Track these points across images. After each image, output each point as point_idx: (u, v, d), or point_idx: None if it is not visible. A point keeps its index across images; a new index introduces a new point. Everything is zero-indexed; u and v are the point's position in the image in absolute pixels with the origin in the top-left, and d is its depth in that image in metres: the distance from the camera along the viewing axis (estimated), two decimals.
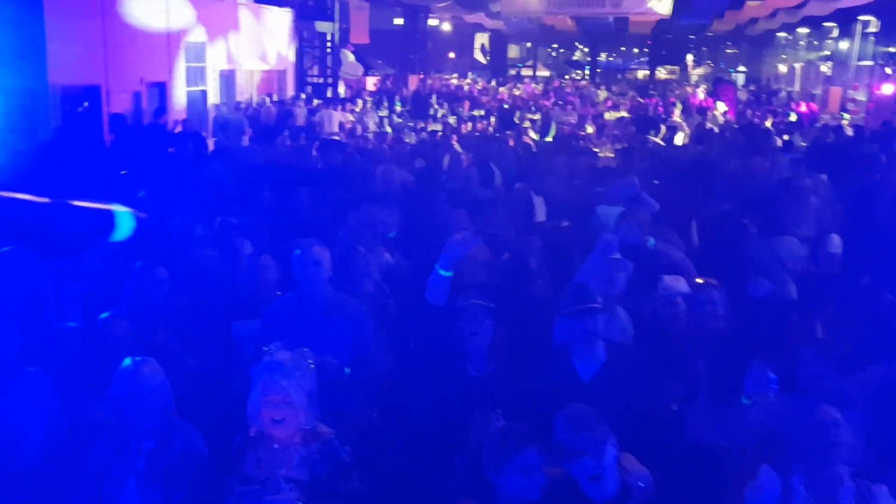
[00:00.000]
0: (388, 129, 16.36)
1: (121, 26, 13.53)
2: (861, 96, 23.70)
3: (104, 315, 3.85)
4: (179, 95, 15.97)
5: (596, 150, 10.96)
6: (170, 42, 15.42)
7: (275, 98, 18.73)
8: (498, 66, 38.17)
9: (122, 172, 7.42)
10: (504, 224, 6.01)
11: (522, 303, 4.56)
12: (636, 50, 47.29)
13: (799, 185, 7.24)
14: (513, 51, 43.17)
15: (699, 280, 4.21)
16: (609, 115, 19.98)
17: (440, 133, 13.72)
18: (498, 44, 38.94)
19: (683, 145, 12.27)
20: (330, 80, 23.21)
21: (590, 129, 15.22)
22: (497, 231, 5.40)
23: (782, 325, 4.97)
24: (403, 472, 3.61)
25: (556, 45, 47.23)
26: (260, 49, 19.89)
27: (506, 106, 21.37)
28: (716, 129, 13.90)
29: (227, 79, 18.46)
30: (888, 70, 22.15)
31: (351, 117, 17.38)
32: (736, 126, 14.47)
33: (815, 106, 22.52)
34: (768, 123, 16.72)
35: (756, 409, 3.41)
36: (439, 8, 28.09)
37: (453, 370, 3.73)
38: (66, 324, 1.46)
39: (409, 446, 3.68)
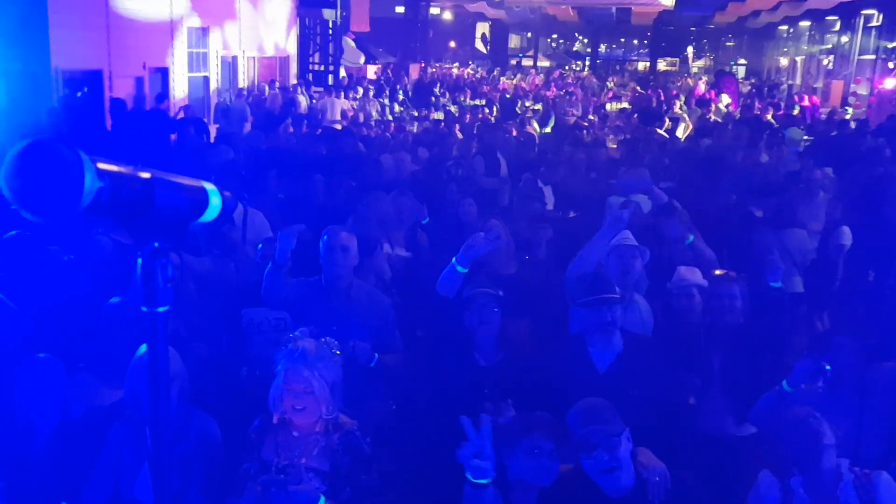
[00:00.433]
0: (390, 118, 16.32)
1: (123, 11, 13.47)
2: (863, 90, 23.64)
3: (113, 301, 3.82)
4: (181, 81, 15.90)
5: (600, 140, 10.93)
6: (172, 28, 15.34)
7: (277, 85, 18.65)
8: (499, 56, 38.06)
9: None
10: (512, 214, 6.02)
11: (532, 292, 4.53)
12: (636, 41, 47.15)
13: (808, 179, 7.26)
14: (514, 41, 43.03)
15: (719, 272, 4.17)
16: (610, 107, 19.96)
17: (442, 122, 13.69)
18: (499, 33, 38.84)
19: (688, 137, 12.24)
20: (331, 68, 23.13)
21: (592, 118, 15.20)
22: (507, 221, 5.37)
23: (793, 318, 4.98)
24: (416, 464, 3.62)
25: (556, 36, 47.08)
26: (262, 35, 19.81)
27: (508, 95, 21.32)
28: (720, 122, 13.88)
29: (230, 65, 18.38)
30: (890, 64, 22.07)
31: (354, 104, 17.32)
32: (738, 118, 14.43)
33: (816, 99, 22.48)
34: (769, 116, 16.70)
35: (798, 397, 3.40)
36: None
37: (462, 360, 3.70)
38: (156, 308, 1.42)
39: (419, 437, 3.68)
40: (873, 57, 23.74)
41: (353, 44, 24.43)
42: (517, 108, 18.35)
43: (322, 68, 23.25)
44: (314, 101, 17.35)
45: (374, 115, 16.69)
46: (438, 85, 23.65)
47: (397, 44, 30.31)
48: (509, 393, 3.41)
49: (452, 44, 39.11)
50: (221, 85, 17.67)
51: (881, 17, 23.27)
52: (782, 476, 3.07)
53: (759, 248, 5.10)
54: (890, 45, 22.84)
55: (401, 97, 20.86)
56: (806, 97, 21.61)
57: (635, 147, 9.79)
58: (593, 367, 3.60)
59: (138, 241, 1.36)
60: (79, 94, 12.52)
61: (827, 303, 6.16)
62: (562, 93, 22.00)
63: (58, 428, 3.22)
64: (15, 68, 10.97)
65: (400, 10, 30.11)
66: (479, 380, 3.60)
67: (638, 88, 25.76)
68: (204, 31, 16.78)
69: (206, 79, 17.09)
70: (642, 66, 41.81)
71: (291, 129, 12.35)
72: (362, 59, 25.45)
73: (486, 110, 17.05)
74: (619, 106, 20.32)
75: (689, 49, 43.64)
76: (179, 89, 15.68)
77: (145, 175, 1.26)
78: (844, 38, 26.48)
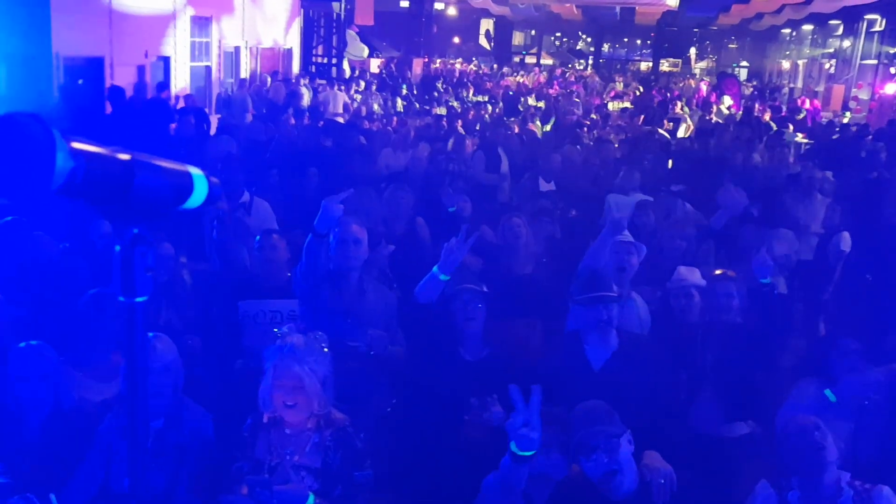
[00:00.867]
0: (392, 112, 16.28)
1: None
2: (864, 95, 23.64)
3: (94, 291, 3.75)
4: (183, 70, 15.85)
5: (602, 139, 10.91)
6: (175, 16, 15.29)
7: (280, 76, 18.60)
8: (502, 53, 38.00)
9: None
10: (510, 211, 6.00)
11: (544, 291, 4.52)
12: (640, 41, 47.09)
13: (805, 180, 7.27)
14: (517, 38, 42.96)
15: (718, 272, 4.17)
16: (613, 106, 19.93)
17: (444, 118, 13.66)
18: (503, 30, 38.76)
19: (689, 138, 12.24)
20: (334, 61, 23.07)
21: (594, 116, 15.19)
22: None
23: (787, 319, 4.97)
24: (408, 460, 3.61)
25: (560, 34, 47.00)
26: (265, 27, 19.76)
27: (511, 93, 21.29)
28: (721, 123, 13.89)
29: (232, 55, 18.33)
30: (892, 69, 22.07)
31: (357, 97, 17.28)
32: (740, 120, 14.43)
33: (817, 103, 22.47)
34: (766, 117, 16.71)
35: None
36: None
37: (447, 355, 3.69)
38: (134, 298, 1.34)
39: (410, 432, 3.67)
40: (875, 62, 23.73)
41: (356, 37, 24.35)
42: (519, 106, 18.33)
43: (325, 61, 23.18)
44: (317, 93, 17.29)
45: (377, 108, 16.66)
46: (441, 80, 23.61)
47: (401, 38, 30.23)
48: (495, 388, 3.40)
49: (456, 39, 39.04)
50: (223, 75, 17.62)
51: (884, 22, 23.26)
52: (780, 488, 3.03)
53: (747, 246, 5.08)
54: (892, 51, 22.84)
55: (404, 91, 20.82)
56: (807, 100, 21.60)
57: (636, 147, 9.80)
58: (588, 364, 3.61)
59: (116, 227, 1.28)
60: (80, 81, 12.47)
61: (825, 306, 6.17)
62: (565, 91, 21.98)
63: (50, 417, 3.19)
64: (16, 54, 10.92)
65: (404, 4, 30.04)
66: (464, 375, 3.59)
67: (640, 88, 25.75)
68: (206, 20, 16.72)
69: (208, 68, 17.04)
70: (645, 66, 41.76)
71: (293, 121, 12.32)
72: (366, 53, 25.37)
73: (489, 107, 17.01)
74: (622, 105, 20.31)
75: (692, 50, 43.59)
76: (181, 78, 15.64)
77: (124, 157, 1.20)
78: (847, 43, 26.47)
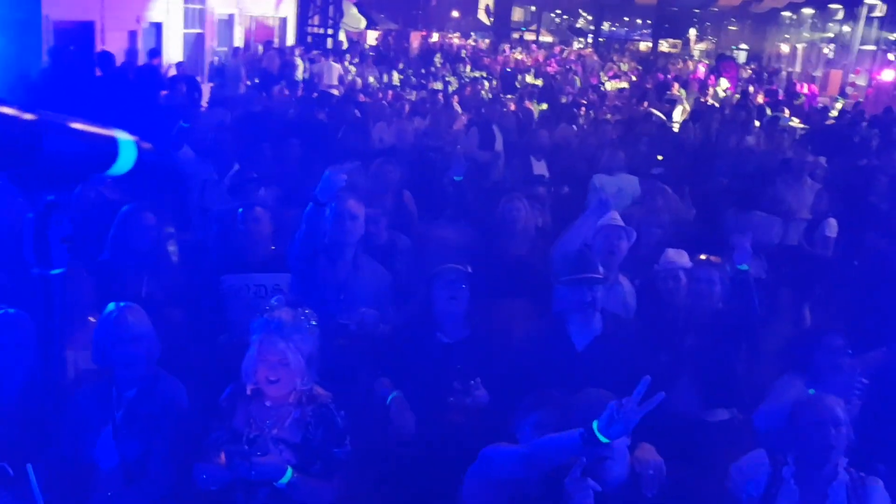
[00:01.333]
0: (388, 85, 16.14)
1: None
2: (861, 81, 23.58)
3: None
4: (176, 37, 15.66)
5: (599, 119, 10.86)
6: None
7: (275, 45, 18.40)
8: (501, 29, 37.66)
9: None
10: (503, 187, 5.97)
11: (521, 270, 4.50)
12: (640, 21, 46.74)
13: (796, 165, 7.27)
14: (517, 13, 42.55)
15: (702, 256, 4.16)
16: (610, 86, 19.82)
17: (440, 93, 13.56)
18: (502, 5, 38.38)
19: (685, 120, 12.20)
20: (331, 31, 22.82)
21: (592, 96, 15.11)
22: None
23: (770, 305, 4.97)
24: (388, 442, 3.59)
25: (560, 11, 46.61)
26: None
27: (508, 69, 21.13)
28: (717, 105, 13.84)
29: (226, 23, 18.11)
30: (891, 56, 22.01)
31: (353, 69, 17.12)
32: (736, 103, 14.38)
33: (814, 88, 22.41)
34: (759, 99, 16.66)
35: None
36: None
37: (424, 337, 3.64)
38: (49, 270, 1.25)
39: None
40: (874, 48, 23.64)
41: (354, 8, 24.07)
42: (517, 83, 18.20)
43: (321, 31, 22.92)
44: (313, 63, 17.09)
45: (373, 81, 16.51)
46: (439, 55, 23.41)
47: (399, 10, 29.93)
48: (474, 370, 3.38)
49: (455, 13, 38.66)
50: (217, 43, 17.42)
51: (885, 7, 23.13)
52: (775, 461, 3.02)
53: (728, 231, 5.06)
54: (891, 37, 22.74)
55: (401, 66, 20.63)
56: (805, 85, 21.53)
57: (632, 127, 9.75)
58: (572, 345, 3.60)
59: (28, 193, 1.20)
60: (71, 47, 12.29)
61: (810, 292, 6.18)
62: (562, 69, 21.83)
63: (26, 386, 3.14)
64: (5, 16, 10.76)
65: None
66: (441, 357, 3.56)
67: (639, 68, 25.61)
68: None
69: (202, 36, 16.84)
70: (644, 46, 41.48)
71: (286, 92, 12.21)
72: (363, 24, 25.09)
73: (486, 83, 16.87)
74: (619, 85, 20.19)
75: (692, 31, 43.27)
76: (173, 46, 15.45)
77: (29, 117, 1.11)
78: (846, 28, 26.34)
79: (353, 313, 3.78)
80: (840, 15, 27.04)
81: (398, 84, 16.70)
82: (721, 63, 22.22)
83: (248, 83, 14.42)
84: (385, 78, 17.46)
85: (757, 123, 11.50)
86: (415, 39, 26.39)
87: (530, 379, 3.28)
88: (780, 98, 17.53)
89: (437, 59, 22.62)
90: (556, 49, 32.78)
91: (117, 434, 3.00)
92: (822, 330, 3.91)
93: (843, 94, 23.28)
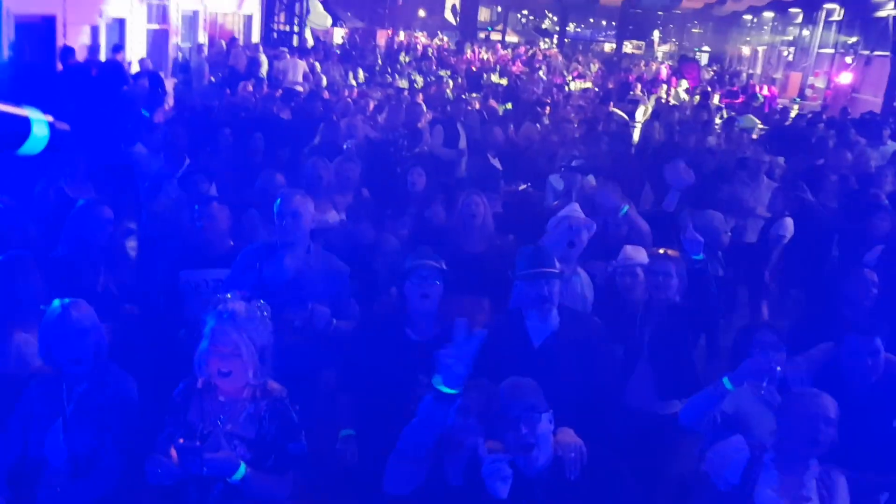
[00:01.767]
0: (354, 83, 16.08)
1: None
2: (820, 83, 24.04)
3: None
4: (139, 33, 15.43)
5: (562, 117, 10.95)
6: None
7: (240, 43, 18.21)
8: (467, 28, 37.71)
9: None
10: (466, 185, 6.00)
11: (479, 267, 4.52)
12: (605, 22, 47.14)
13: (754, 164, 7.41)
14: (483, 13, 42.65)
15: (660, 251, 4.21)
16: (574, 86, 19.98)
17: (406, 90, 13.56)
18: (469, 5, 38.42)
19: (647, 120, 12.37)
20: (296, 29, 22.66)
21: (556, 96, 15.23)
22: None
23: (726, 299, 5.06)
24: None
25: (526, 12, 46.83)
26: None
27: (474, 69, 21.19)
28: (676, 105, 14.06)
29: (191, 20, 17.89)
30: (848, 59, 22.46)
31: (318, 66, 17.02)
32: (696, 104, 14.62)
33: (774, 90, 22.81)
34: (716, 100, 16.93)
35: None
36: None
37: (393, 334, 3.61)
38: None
39: (353, 412, 3.64)
40: (832, 51, 24.10)
41: (320, 6, 23.92)
42: (482, 81, 18.26)
43: (287, 28, 22.74)
44: (277, 60, 16.95)
45: (338, 79, 16.42)
46: (404, 53, 23.38)
47: (366, 8, 29.81)
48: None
49: (422, 13, 38.62)
50: (181, 40, 17.21)
51: (842, 11, 23.60)
52: (753, 447, 3.03)
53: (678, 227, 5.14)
54: (849, 41, 23.20)
55: (375, 63, 20.53)
56: (765, 87, 21.90)
57: (594, 126, 9.86)
58: (529, 340, 3.62)
59: None
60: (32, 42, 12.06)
61: (765, 290, 6.31)
62: (527, 69, 21.94)
63: None
64: None
65: None
66: (410, 355, 3.51)
67: (602, 68, 25.83)
68: None
69: (166, 32, 16.62)
70: (609, 47, 41.84)
71: (250, 88, 12.11)
72: (329, 22, 24.94)
73: (450, 82, 16.90)
74: (583, 85, 20.36)
75: (656, 33, 43.78)
76: (136, 42, 15.23)
77: None
78: (805, 31, 26.82)
79: (300, 309, 3.75)
80: (799, 19, 27.51)
81: (363, 81, 16.65)
82: (683, 65, 22.52)
83: (213, 79, 14.28)
84: (351, 76, 17.40)
85: (718, 121, 11.71)
86: (381, 37, 26.31)
87: (488, 375, 3.29)
88: (741, 100, 17.84)
89: (403, 57, 22.59)
90: (522, 49, 32.91)
91: (67, 429, 2.96)
92: (755, 326, 3.98)
93: (802, 95, 23.74)
